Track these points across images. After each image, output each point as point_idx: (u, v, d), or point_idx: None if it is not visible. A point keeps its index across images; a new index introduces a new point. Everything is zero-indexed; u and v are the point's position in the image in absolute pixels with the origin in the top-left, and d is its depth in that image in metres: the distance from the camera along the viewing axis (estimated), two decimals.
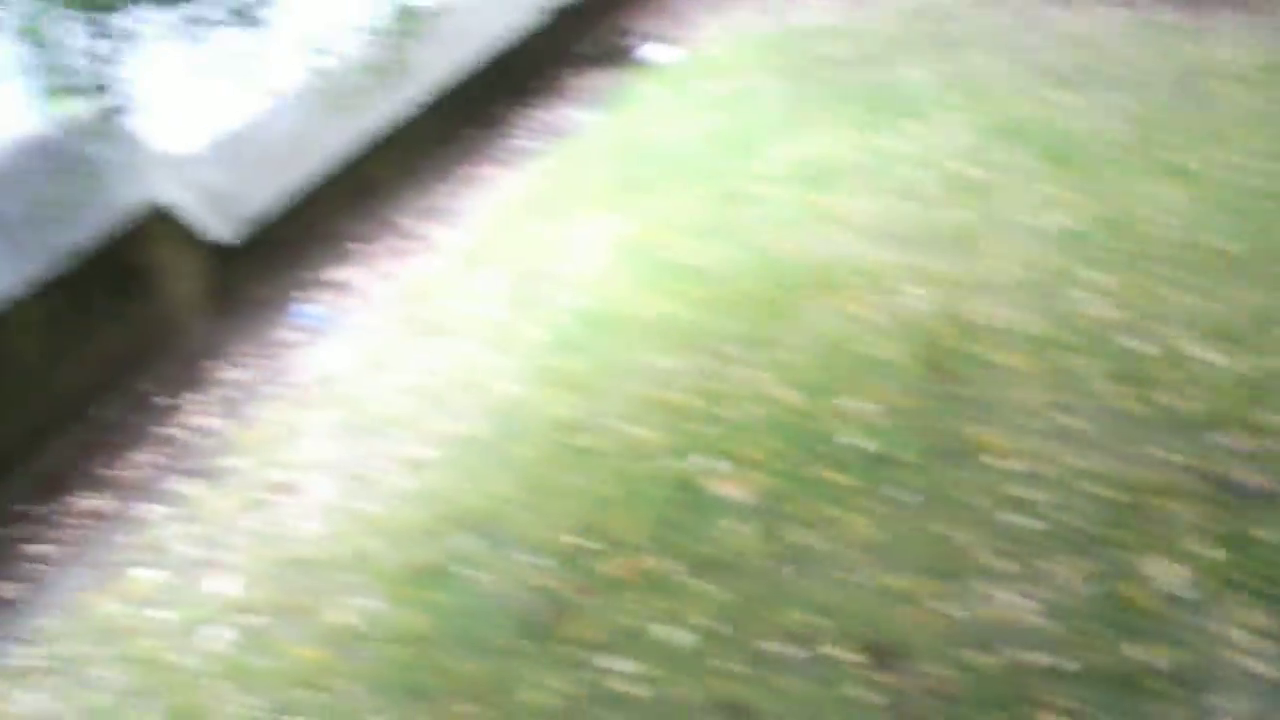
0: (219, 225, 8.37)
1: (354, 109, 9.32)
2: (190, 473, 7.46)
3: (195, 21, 5.58)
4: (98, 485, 7.54)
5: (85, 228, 7.52)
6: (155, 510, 7.23)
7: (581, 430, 6.81)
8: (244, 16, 5.57)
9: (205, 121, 8.42)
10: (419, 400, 7.53)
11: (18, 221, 7.27)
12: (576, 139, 11.30)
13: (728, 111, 11.45)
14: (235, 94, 8.36)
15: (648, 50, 13.40)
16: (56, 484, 7.53)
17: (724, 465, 6.32)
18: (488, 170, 10.87)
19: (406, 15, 6.39)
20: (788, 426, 6.60)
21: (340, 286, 9.25)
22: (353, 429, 7.44)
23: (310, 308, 8.89)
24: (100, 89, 5.57)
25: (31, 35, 5.44)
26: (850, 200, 9.30)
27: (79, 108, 7.76)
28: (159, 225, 8.01)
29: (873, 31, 13.52)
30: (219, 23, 5.55)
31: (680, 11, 14.75)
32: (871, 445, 6.45)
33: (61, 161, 7.59)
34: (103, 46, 5.54)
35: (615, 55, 13.32)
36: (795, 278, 8.13)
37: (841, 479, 6.21)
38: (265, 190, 8.80)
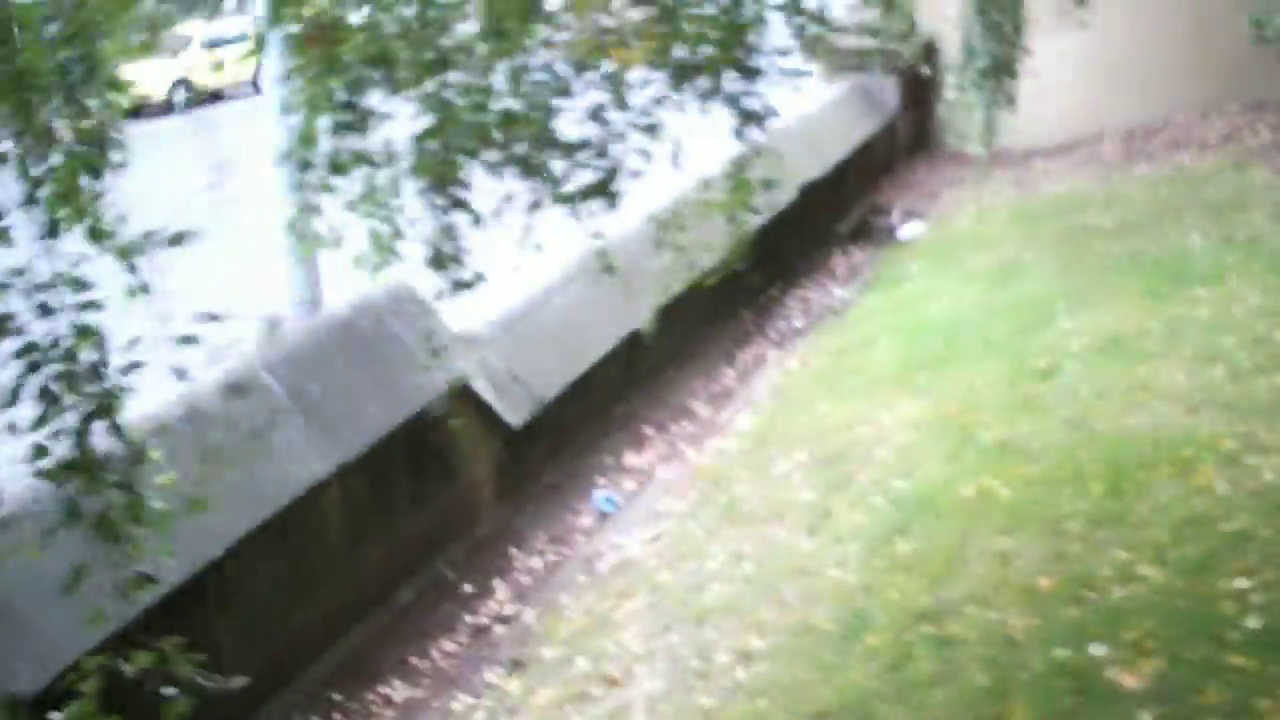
0: (510, 406, 8.21)
1: (634, 287, 9.19)
2: (502, 663, 7.16)
3: (557, 191, 5.40)
4: (407, 674, 7.28)
5: (388, 408, 7.42)
6: (469, 702, 6.93)
7: (937, 618, 6.31)
8: (605, 194, 5.38)
9: (492, 298, 8.29)
10: (738, 588, 7.13)
11: (324, 402, 7.19)
12: (849, 317, 11.04)
13: (1001, 285, 11.09)
14: (521, 269, 8.22)
15: (902, 226, 13.23)
16: (365, 671, 7.29)
17: (1111, 651, 5.76)
18: (764, 351, 10.65)
19: (742, 189, 6.16)
20: (1168, 608, 6.02)
21: (630, 470, 9.00)
22: (668, 618, 7.06)
23: (602, 492, 8.65)
24: (442, 263, 5.40)
25: (369, 207, 5.32)
26: (1157, 370, 8.76)
27: (389, 283, 7.73)
28: (457, 406, 7.87)
29: (1130, 199, 13.13)
30: (579, 198, 5.36)
31: (928, 186, 14.60)
32: (1264, 625, 5.86)
33: (365, 340, 7.54)
34: (444, 219, 5.37)
35: (870, 233, 13.16)
36: (1125, 451, 7.59)
37: (1243, 662, 5.58)
38: (552, 371, 8.66)
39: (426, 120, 5.15)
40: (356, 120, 5.02)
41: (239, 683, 4.05)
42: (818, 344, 10.57)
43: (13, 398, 3.49)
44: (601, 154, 5.31)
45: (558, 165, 5.35)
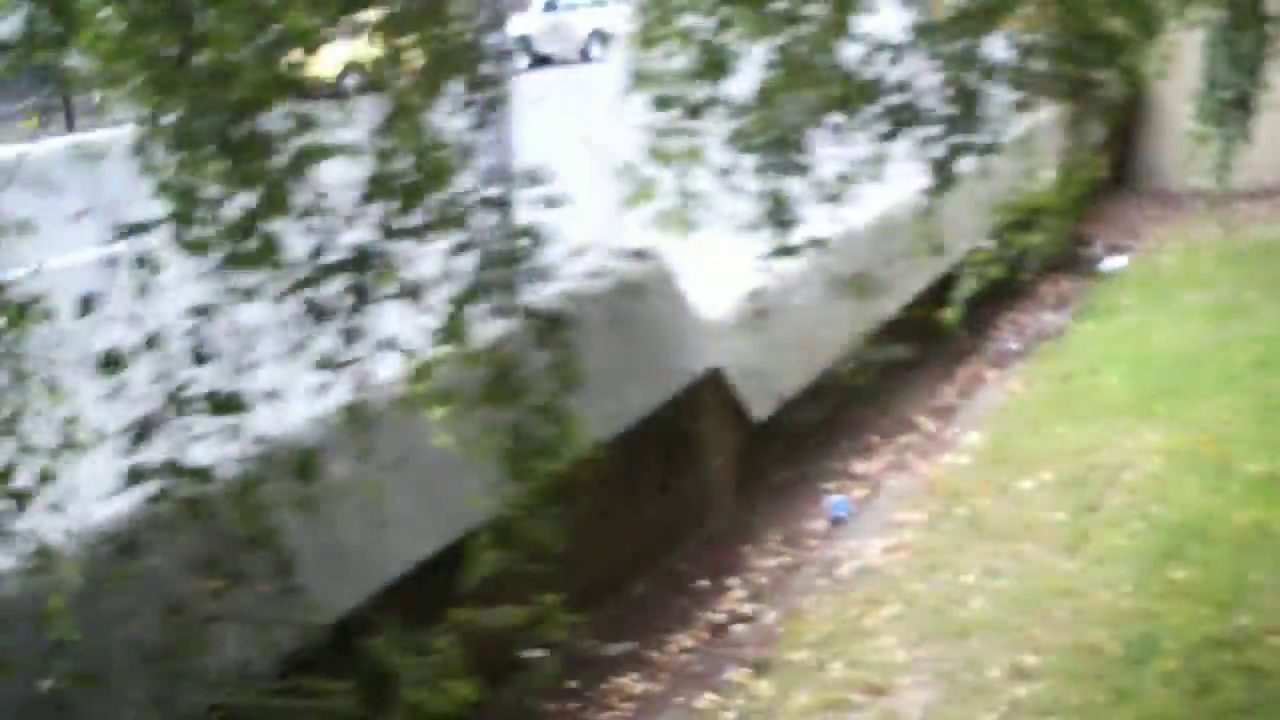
0: (755, 399, 7.94)
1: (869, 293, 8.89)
2: (746, 664, 6.86)
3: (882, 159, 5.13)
4: (643, 667, 7.00)
5: (646, 389, 7.16)
6: (714, 700, 6.63)
7: (1237, 646, 5.92)
8: (947, 173, 5.09)
9: (734, 284, 8.03)
10: (1000, 604, 6.78)
11: (589, 374, 6.93)
12: (1066, 344, 10.68)
13: (1226, 322, 10.64)
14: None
15: (1105, 259, 12.87)
16: (600, 660, 7.02)
17: None
18: (982, 370, 10.34)
19: (1071, 185, 5.89)
20: None
21: (858, 477, 8.70)
22: (925, 629, 6.71)
23: (836, 496, 8.35)
24: (773, 225, 5.15)
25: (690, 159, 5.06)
26: None
27: (649, 259, 7.48)
28: (707, 394, 7.62)
29: None
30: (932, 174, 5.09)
31: (1128, 221, 14.21)
32: None
33: (628, 317, 7.29)
34: (777, 181, 5.12)
35: (1074, 263, 12.79)
36: None
37: None
38: (792, 369, 8.38)
39: (774, 74, 4.93)
40: (719, 61, 4.79)
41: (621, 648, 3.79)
42: (1038, 368, 10.21)
43: (470, 297, 3.26)
44: (959, 128, 5.05)
45: (909, 135, 5.11)
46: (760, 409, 7.92)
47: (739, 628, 7.25)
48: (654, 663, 7.03)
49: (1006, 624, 6.60)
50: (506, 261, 3.33)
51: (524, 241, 3.37)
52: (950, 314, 6.57)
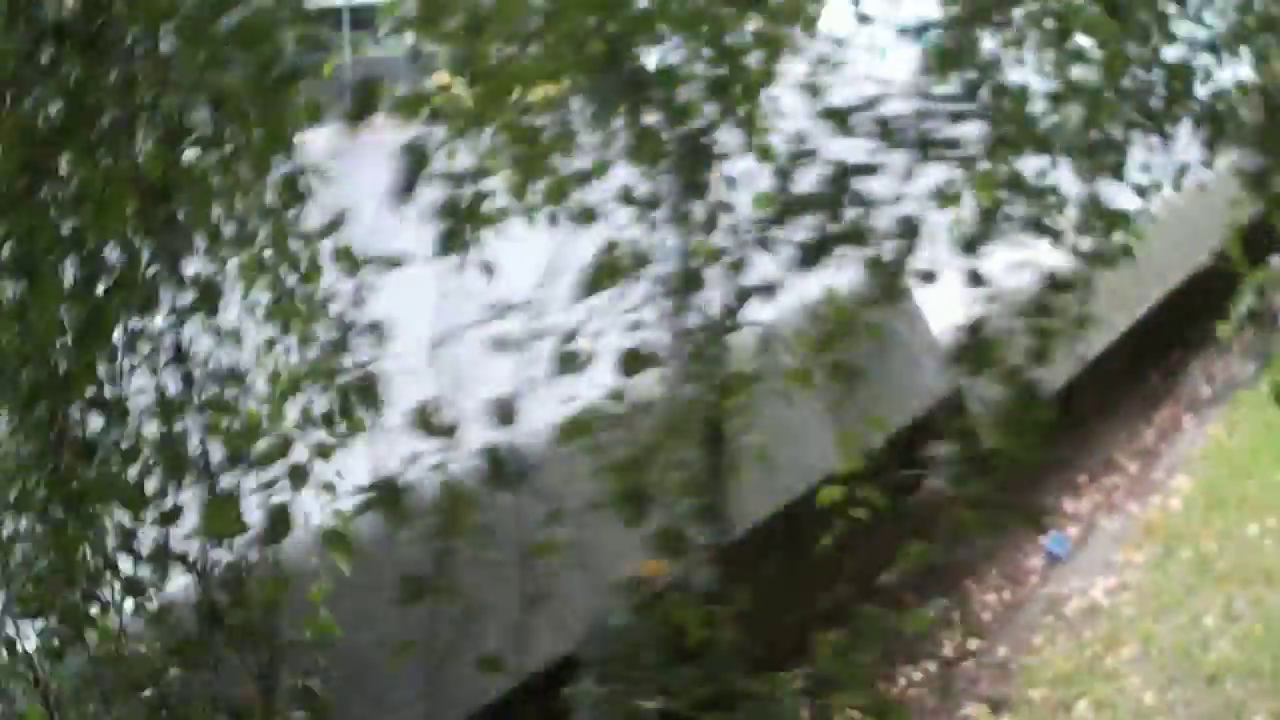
0: (981, 428, 7.67)
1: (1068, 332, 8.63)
2: (982, 700, 6.62)
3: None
4: (876, 699, 6.78)
5: (892, 408, 6.93)
6: None
7: None
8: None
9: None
10: (1249, 649, 6.49)
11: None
12: (1263, 391, 10.33)
13: None
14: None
15: None
16: (829, 689, 6.80)
17: None
18: (1179, 414, 10.03)
19: None
20: None
21: (1069, 516, 8.44)
22: (1171, 671, 6.44)
23: (1054, 534, 8.08)
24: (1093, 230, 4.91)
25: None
26: None
27: None
28: (940, 419, 7.37)
29: None
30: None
31: None
32: None
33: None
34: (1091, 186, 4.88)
35: (1261, 316, 12.43)
36: None
37: None
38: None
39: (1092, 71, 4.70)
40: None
41: None
42: (1239, 413, 9.84)
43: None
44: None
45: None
46: (987, 437, 7.63)
47: (968, 663, 6.99)
48: (885, 695, 6.78)
49: (1261, 670, 6.32)
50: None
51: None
52: (1229, 328, 6.26)
